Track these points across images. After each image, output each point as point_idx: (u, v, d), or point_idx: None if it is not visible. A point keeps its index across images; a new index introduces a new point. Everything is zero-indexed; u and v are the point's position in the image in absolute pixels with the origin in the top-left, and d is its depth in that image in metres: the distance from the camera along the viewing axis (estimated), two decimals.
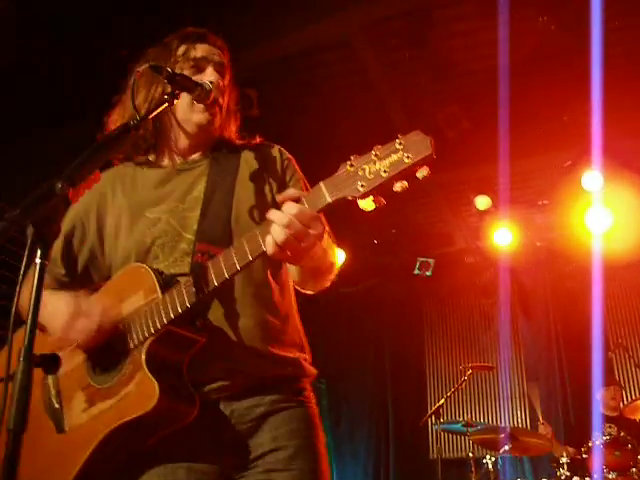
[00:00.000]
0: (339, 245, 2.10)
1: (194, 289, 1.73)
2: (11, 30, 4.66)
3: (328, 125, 6.31)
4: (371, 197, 1.51)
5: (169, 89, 1.87)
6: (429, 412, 6.16)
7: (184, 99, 1.98)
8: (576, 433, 6.07)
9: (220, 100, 2.08)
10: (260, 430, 1.85)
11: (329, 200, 1.54)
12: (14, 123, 5.28)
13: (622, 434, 5.57)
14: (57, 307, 1.87)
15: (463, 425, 5.83)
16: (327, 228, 1.81)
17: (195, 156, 2.15)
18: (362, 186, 1.48)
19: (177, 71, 1.93)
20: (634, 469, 5.10)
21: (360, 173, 1.49)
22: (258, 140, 2.21)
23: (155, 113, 1.84)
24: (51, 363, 1.43)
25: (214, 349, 1.83)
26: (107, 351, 1.85)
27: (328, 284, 2.05)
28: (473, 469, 5.69)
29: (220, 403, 1.85)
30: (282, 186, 2.06)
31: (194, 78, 1.98)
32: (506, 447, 5.47)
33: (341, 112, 6.27)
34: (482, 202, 7.57)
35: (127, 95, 2.06)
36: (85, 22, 4.83)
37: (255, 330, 1.89)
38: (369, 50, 5.77)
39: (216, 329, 1.86)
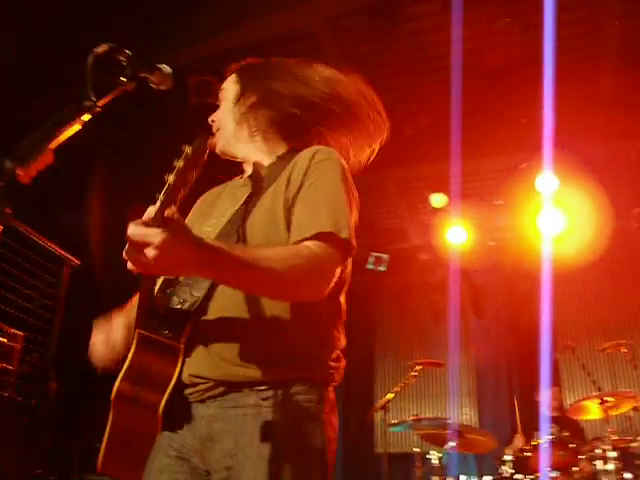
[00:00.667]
0: None
1: None
2: None
3: None
4: None
5: (128, 71, 1.83)
6: (376, 406, 6.16)
7: None
8: (522, 432, 6.16)
9: (215, 121, 2.18)
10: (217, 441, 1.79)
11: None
12: None
13: (564, 433, 5.68)
14: None
15: (410, 426, 5.89)
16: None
17: (245, 176, 2.16)
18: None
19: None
20: (575, 468, 5.20)
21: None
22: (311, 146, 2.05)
23: (112, 95, 1.79)
24: None
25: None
26: None
27: (299, 290, 1.80)
28: (419, 464, 5.74)
29: (192, 405, 1.81)
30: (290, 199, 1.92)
31: None
32: (452, 443, 5.51)
33: None
34: (437, 200, 7.61)
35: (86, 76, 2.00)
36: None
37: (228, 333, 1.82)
38: (332, 43, 5.76)
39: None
